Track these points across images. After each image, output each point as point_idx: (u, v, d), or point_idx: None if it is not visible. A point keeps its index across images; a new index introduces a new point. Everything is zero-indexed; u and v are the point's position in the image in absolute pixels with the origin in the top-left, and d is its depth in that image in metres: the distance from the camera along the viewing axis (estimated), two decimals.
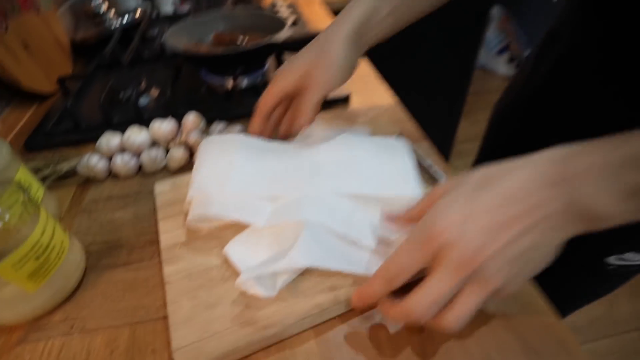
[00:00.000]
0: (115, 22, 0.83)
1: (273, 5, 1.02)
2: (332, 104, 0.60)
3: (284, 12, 0.98)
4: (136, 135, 0.47)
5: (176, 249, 0.37)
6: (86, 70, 0.74)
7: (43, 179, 0.47)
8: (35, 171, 0.47)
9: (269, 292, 0.31)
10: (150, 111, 0.61)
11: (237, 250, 0.34)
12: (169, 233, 0.38)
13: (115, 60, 0.76)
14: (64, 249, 0.34)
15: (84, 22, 0.95)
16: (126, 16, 0.83)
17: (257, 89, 0.63)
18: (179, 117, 0.55)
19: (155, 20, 0.96)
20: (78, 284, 0.36)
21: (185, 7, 1.14)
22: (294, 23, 0.83)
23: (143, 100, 0.64)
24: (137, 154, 0.48)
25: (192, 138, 0.47)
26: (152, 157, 0.47)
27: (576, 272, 0.51)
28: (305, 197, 0.36)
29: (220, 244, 0.36)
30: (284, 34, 0.57)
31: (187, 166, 0.50)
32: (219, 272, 0.34)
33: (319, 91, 0.41)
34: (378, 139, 0.44)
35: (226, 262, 0.35)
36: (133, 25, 0.85)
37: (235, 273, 0.34)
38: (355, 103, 0.61)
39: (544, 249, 0.25)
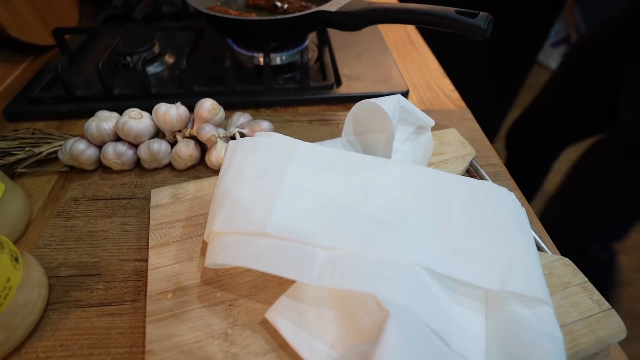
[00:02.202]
0: None
1: None
2: None
3: None
4: (136, 121, 0.36)
5: (167, 299, 0.27)
6: (92, 23, 0.62)
7: (13, 165, 0.37)
8: (4, 154, 0.37)
9: None
10: (160, 84, 0.49)
11: (288, 324, 0.23)
12: (160, 271, 0.28)
13: (129, 12, 0.64)
14: (9, 291, 0.24)
15: None
16: None
17: (294, 69, 0.50)
18: (193, 97, 0.44)
19: None
20: (32, 329, 0.26)
21: None
22: None
23: (153, 68, 0.52)
24: (136, 144, 0.38)
25: (206, 132, 0.36)
26: (153, 150, 0.36)
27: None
28: (382, 261, 0.24)
29: (233, 297, 0.26)
30: (336, 3, 0.44)
31: (195, 167, 0.39)
32: (222, 346, 0.24)
33: None
34: (480, 186, 0.31)
35: (236, 331, 0.25)
36: None
37: (250, 352, 0.24)
38: (413, 99, 0.49)
39: None
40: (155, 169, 0.39)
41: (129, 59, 0.52)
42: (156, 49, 0.54)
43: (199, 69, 0.51)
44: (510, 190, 0.32)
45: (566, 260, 0.29)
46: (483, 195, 0.30)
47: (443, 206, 0.29)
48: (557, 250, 0.32)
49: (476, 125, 0.46)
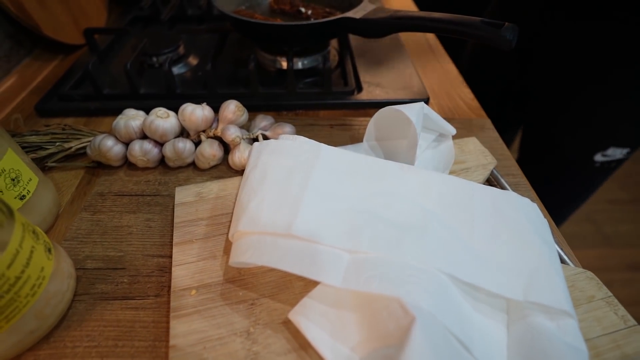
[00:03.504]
0: None
1: None
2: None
3: None
4: (162, 120, 0.37)
5: (191, 296, 0.27)
6: (120, 24, 0.64)
7: (44, 159, 0.38)
8: (37, 148, 0.38)
9: None
10: (184, 84, 0.50)
11: (311, 325, 0.24)
12: (184, 268, 0.29)
13: (155, 14, 0.65)
14: (42, 280, 0.24)
15: None
16: None
17: (316, 74, 0.51)
18: (217, 99, 0.45)
19: None
20: (60, 319, 0.27)
21: None
22: None
23: (178, 69, 0.54)
24: (161, 142, 0.39)
25: (230, 134, 0.37)
26: (178, 149, 0.37)
27: (569, 172, 0.63)
28: (406, 266, 0.24)
29: (256, 296, 0.26)
30: (361, 10, 0.44)
31: (218, 167, 0.40)
32: (244, 344, 0.25)
33: None
34: (503, 195, 0.31)
35: (257, 329, 0.25)
36: None
37: (271, 351, 0.24)
38: (433, 107, 0.49)
39: None
40: (179, 168, 0.40)
41: (154, 59, 0.53)
42: (181, 50, 0.55)
43: (223, 71, 0.52)
44: (532, 201, 0.32)
45: (589, 273, 0.29)
46: (506, 204, 0.30)
47: (466, 214, 0.29)
48: (579, 262, 0.32)
49: (496, 135, 0.45)
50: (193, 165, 0.40)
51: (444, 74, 0.55)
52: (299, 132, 0.43)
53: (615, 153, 0.59)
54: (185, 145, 0.38)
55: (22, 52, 0.56)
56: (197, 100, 0.46)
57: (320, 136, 0.43)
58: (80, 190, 0.38)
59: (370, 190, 0.30)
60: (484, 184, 0.38)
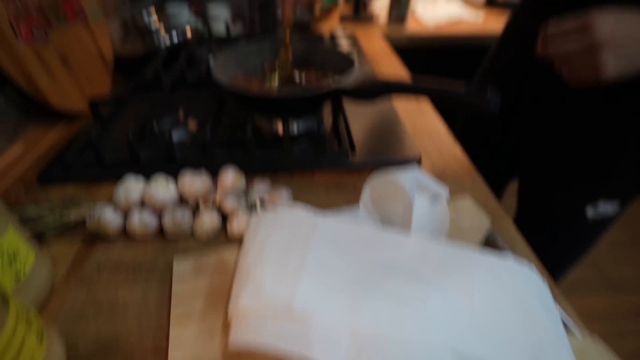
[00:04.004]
0: (165, 39, 0.77)
1: (332, 37, 0.94)
2: (401, 164, 0.49)
3: (343, 43, 0.90)
4: (161, 189, 0.38)
5: None
6: (123, 92, 0.67)
7: (42, 231, 0.38)
8: (36, 219, 0.39)
9: None
10: (184, 149, 0.52)
11: None
12: (181, 348, 0.28)
13: (157, 81, 0.69)
14: None
15: (132, 37, 0.90)
16: (174, 34, 0.77)
17: (311, 137, 0.53)
18: (215, 164, 0.46)
19: (206, 40, 0.90)
20: None
21: (238, 27, 1.08)
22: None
23: (178, 135, 0.55)
24: (160, 212, 0.39)
25: (229, 204, 0.37)
26: (176, 220, 0.38)
27: (562, 226, 0.65)
28: (408, 342, 0.24)
29: None
30: (352, 78, 0.47)
31: (217, 237, 0.40)
32: None
33: None
34: (501, 262, 0.31)
35: None
36: (181, 44, 0.78)
37: None
38: (425, 165, 0.50)
39: None
40: (177, 238, 0.40)
41: (155, 126, 0.55)
42: (181, 116, 0.57)
43: (221, 135, 0.54)
44: (530, 262, 0.32)
45: (597, 339, 0.28)
46: (505, 272, 0.30)
47: (465, 284, 0.29)
48: (584, 326, 0.31)
49: (489, 193, 0.46)
50: (191, 235, 0.40)
51: (435, 132, 0.57)
52: (295, 194, 0.44)
53: (606, 208, 0.60)
54: (184, 216, 0.38)
55: (28, 121, 0.58)
56: (196, 166, 0.48)
57: (317, 198, 0.44)
58: (76, 262, 0.38)
59: (368, 262, 0.30)
60: (481, 245, 0.39)
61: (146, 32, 0.76)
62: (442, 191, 0.39)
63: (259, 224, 0.33)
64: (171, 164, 0.49)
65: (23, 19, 0.53)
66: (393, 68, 0.81)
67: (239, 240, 0.39)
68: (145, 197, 0.38)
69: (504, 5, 1.28)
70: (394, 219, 0.38)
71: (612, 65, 0.40)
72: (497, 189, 0.79)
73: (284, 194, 0.40)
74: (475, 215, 0.40)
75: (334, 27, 1.13)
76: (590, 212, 0.60)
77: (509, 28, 0.67)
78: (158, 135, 0.55)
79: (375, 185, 0.38)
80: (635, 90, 0.45)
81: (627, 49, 0.40)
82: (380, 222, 0.39)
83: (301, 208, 0.34)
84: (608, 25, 0.39)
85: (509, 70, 0.65)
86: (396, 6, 1.11)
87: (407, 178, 0.35)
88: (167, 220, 0.38)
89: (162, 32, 0.78)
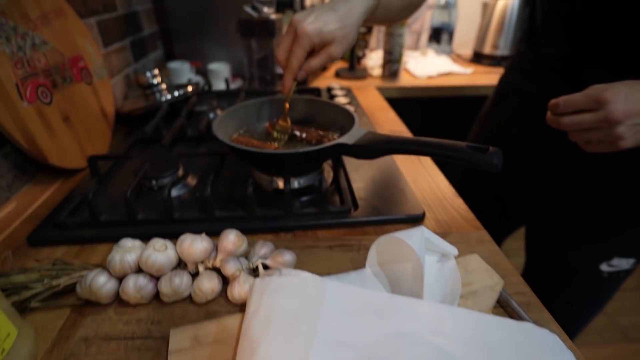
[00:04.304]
0: (166, 95, 0.79)
1: (329, 89, 0.98)
2: (405, 222, 0.49)
3: (340, 95, 0.93)
4: (159, 254, 0.36)
5: None
6: (123, 146, 0.67)
7: (27, 300, 0.36)
8: (22, 288, 0.36)
9: None
10: (182, 207, 0.51)
11: None
12: None
13: (157, 137, 0.69)
14: None
15: (134, 93, 0.92)
16: (176, 92, 0.79)
17: (312, 192, 0.52)
18: (214, 223, 0.45)
19: (207, 93, 0.92)
20: None
21: (238, 83, 1.12)
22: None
23: (176, 191, 0.55)
24: (157, 276, 0.37)
25: (230, 267, 0.36)
26: (174, 285, 0.36)
27: (577, 283, 0.63)
28: None
29: None
30: (353, 135, 0.47)
31: (216, 300, 0.38)
32: None
33: (330, 60, 0.48)
34: (521, 329, 0.29)
35: None
36: (182, 99, 0.80)
37: None
38: (430, 221, 0.49)
39: None
40: (174, 302, 0.38)
41: (154, 182, 0.54)
42: (180, 172, 0.57)
43: (220, 193, 0.53)
44: (550, 328, 0.30)
45: None
46: (526, 340, 0.28)
47: (484, 353, 0.27)
48: None
49: (496, 248, 0.45)
50: (189, 298, 0.38)
51: (436, 186, 0.57)
52: (298, 256, 0.42)
53: (621, 263, 0.59)
54: (182, 280, 0.36)
55: (24, 179, 0.57)
56: (195, 225, 0.47)
57: (321, 259, 0.43)
58: (63, 334, 0.35)
59: (380, 332, 0.28)
60: (494, 306, 0.37)
61: (148, 89, 0.78)
62: (451, 250, 0.38)
63: (263, 290, 0.31)
64: (170, 224, 0.47)
65: (30, 81, 0.54)
66: (390, 122, 0.83)
67: (240, 305, 0.37)
68: (141, 260, 0.36)
69: (489, 62, 1.36)
70: (403, 281, 0.36)
71: (630, 137, 0.42)
72: (498, 241, 0.79)
73: (287, 256, 0.39)
74: (486, 275, 0.38)
75: (329, 82, 1.17)
76: (605, 267, 0.59)
77: (502, 85, 0.70)
78: (157, 191, 0.54)
79: (381, 247, 0.37)
80: None
81: None
82: (388, 285, 0.37)
83: (306, 272, 0.33)
84: (622, 100, 0.40)
85: (506, 125, 0.66)
86: (389, 62, 1.17)
87: (415, 238, 0.34)
88: (164, 286, 0.36)
89: (164, 87, 0.80)
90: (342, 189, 0.52)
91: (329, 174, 0.58)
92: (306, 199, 0.52)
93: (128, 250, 0.37)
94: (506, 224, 0.75)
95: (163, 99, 0.77)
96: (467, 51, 1.48)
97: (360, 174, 0.58)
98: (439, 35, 1.46)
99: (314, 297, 0.30)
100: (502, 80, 0.71)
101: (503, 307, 0.38)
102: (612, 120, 0.41)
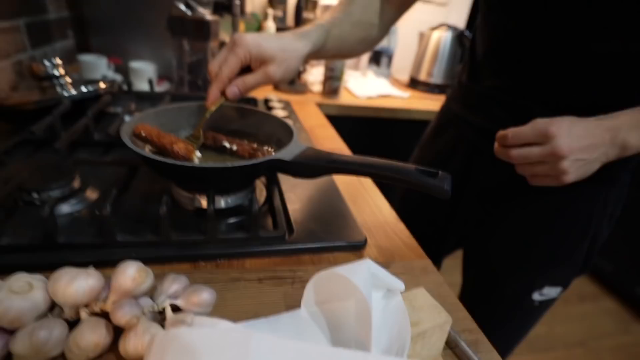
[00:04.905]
0: (70, 90, 0.65)
1: (266, 101, 0.91)
2: (346, 249, 0.44)
3: (278, 107, 0.87)
4: (17, 298, 0.26)
5: None
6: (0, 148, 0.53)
7: None
8: None
9: None
10: (73, 228, 0.40)
11: None
12: None
13: (51, 138, 0.57)
14: None
15: (27, 83, 0.77)
16: (83, 87, 0.66)
17: (241, 213, 0.45)
18: (114, 249, 0.36)
19: (124, 94, 0.80)
20: None
21: (164, 86, 1.00)
22: None
23: (70, 206, 0.43)
24: (11, 330, 0.27)
25: (123, 314, 0.27)
26: (37, 341, 0.26)
27: (510, 309, 0.65)
28: None
29: None
30: (291, 151, 0.42)
31: (103, 357, 0.28)
32: None
33: (267, 80, 0.45)
34: None
35: None
36: (91, 97, 0.68)
37: None
38: (372, 249, 0.45)
39: (595, 166, 0.44)
40: None
41: (35, 195, 0.43)
42: (76, 184, 0.46)
43: (126, 211, 0.43)
44: None
45: None
46: None
47: None
48: None
49: (441, 279, 0.42)
50: (62, 357, 0.28)
51: (377, 209, 0.54)
52: (220, 291, 0.35)
53: (551, 292, 0.60)
54: (52, 332, 0.26)
55: None
56: (86, 253, 0.36)
57: (248, 295, 0.35)
58: None
59: None
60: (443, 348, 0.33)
61: (45, 81, 0.64)
62: (398, 286, 0.33)
63: (164, 349, 0.23)
64: (51, 251, 0.36)
65: None
66: (330, 139, 0.79)
67: None
68: None
69: (425, 88, 1.42)
70: (345, 324, 0.31)
71: (573, 172, 0.43)
72: (436, 263, 0.78)
73: (204, 295, 0.31)
74: (434, 312, 0.34)
75: (267, 93, 1.11)
76: (536, 296, 0.61)
77: (445, 113, 0.71)
78: (39, 207, 0.42)
79: (320, 283, 0.32)
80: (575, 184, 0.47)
81: (584, 158, 0.42)
82: (327, 329, 0.31)
83: (225, 321, 0.25)
84: (565, 135, 0.41)
85: (448, 153, 0.66)
86: (330, 79, 1.15)
87: (360, 274, 0.29)
88: (20, 343, 0.25)
89: (68, 80, 0.67)
90: (276, 211, 0.45)
91: (261, 193, 0.51)
92: (234, 222, 0.44)
93: None
94: (445, 247, 0.74)
95: (65, 93, 0.64)
96: (404, 76, 1.54)
97: (297, 194, 0.52)
98: (379, 58, 1.50)
99: (236, 356, 0.23)
100: (444, 108, 0.72)
101: (451, 349, 0.34)
102: (557, 155, 0.42)
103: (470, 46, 0.63)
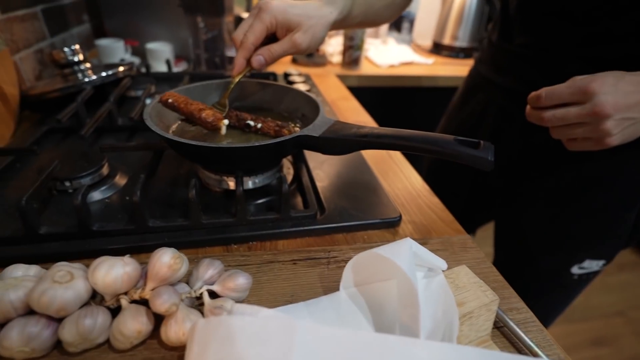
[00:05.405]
0: (90, 76, 0.65)
1: (286, 75, 0.89)
2: (380, 227, 0.42)
3: (298, 81, 0.84)
4: (60, 288, 0.26)
5: None
6: (30, 138, 0.54)
7: None
8: None
9: None
10: (105, 215, 0.40)
11: None
12: None
13: (76, 126, 0.57)
14: None
15: (50, 72, 0.77)
16: (103, 72, 0.65)
17: (270, 193, 0.44)
18: (146, 235, 0.36)
19: (143, 76, 0.79)
20: None
21: (182, 66, 0.99)
22: None
23: (100, 193, 0.44)
24: (58, 318, 0.27)
25: (163, 302, 0.27)
26: (84, 329, 0.26)
27: (549, 285, 0.61)
28: None
29: None
30: (320, 126, 0.40)
31: (145, 342, 0.28)
32: None
33: (294, 49, 0.43)
34: None
35: None
36: (112, 82, 0.67)
37: None
38: (407, 226, 0.43)
39: None
40: (85, 351, 0.28)
41: (67, 184, 0.43)
42: (105, 170, 0.46)
43: (156, 196, 0.43)
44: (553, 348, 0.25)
45: None
46: None
47: None
48: None
49: (481, 255, 0.40)
50: (107, 343, 0.28)
51: (409, 183, 0.51)
52: (255, 275, 0.34)
53: (592, 265, 0.57)
54: (96, 321, 0.26)
55: None
56: (121, 239, 0.37)
57: (283, 278, 0.35)
58: None
59: None
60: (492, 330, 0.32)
61: (67, 68, 0.64)
62: (440, 264, 0.32)
63: (208, 337, 0.23)
64: (86, 239, 0.37)
65: None
66: (354, 112, 0.76)
67: (180, 349, 0.28)
68: (32, 299, 0.26)
69: (449, 52, 1.34)
70: (386, 306, 0.30)
71: (618, 134, 0.38)
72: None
73: (240, 279, 0.30)
74: (479, 291, 0.33)
75: (286, 67, 1.08)
76: (576, 269, 0.58)
77: (473, 77, 0.66)
78: (72, 195, 0.43)
79: (359, 265, 0.30)
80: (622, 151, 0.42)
81: (633, 117, 0.37)
82: (368, 311, 0.30)
83: (266, 309, 0.25)
84: (610, 92, 0.36)
85: (478, 119, 0.62)
86: (350, 49, 1.10)
87: (403, 255, 0.28)
88: (68, 330, 0.26)
89: (88, 66, 0.66)
90: (306, 189, 0.44)
91: (288, 172, 0.49)
92: (263, 202, 0.43)
93: (12, 285, 0.27)
94: (475, 220, 0.71)
95: (86, 79, 0.64)
96: (427, 42, 1.46)
97: (325, 171, 0.50)
98: (400, 23, 1.42)
99: (280, 346, 0.22)
100: (472, 72, 0.67)
101: (498, 329, 0.33)
102: (600, 114, 0.37)
103: (502, 1, 0.58)
